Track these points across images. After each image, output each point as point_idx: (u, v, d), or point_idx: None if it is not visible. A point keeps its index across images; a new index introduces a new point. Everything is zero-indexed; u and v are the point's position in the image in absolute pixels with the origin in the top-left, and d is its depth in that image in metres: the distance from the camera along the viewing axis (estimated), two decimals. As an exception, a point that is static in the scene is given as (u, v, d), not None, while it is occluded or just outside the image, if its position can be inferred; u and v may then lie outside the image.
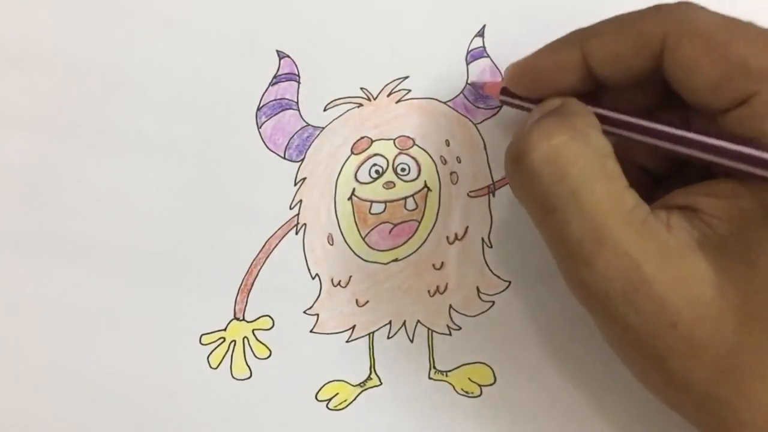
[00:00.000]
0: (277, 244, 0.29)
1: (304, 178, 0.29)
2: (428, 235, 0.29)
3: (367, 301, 0.28)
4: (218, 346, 0.28)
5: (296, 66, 0.30)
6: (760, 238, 0.20)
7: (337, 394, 0.28)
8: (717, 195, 0.22)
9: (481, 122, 0.29)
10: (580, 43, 0.23)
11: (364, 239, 0.29)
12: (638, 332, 0.21)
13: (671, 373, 0.21)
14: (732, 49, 0.21)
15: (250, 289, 0.29)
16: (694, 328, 0.20)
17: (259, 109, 0.29)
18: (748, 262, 0.20)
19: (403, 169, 0.29)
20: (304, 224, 0.29)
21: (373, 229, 0.29)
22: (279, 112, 0.29)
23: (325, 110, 0.29)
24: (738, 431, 0.20)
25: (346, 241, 0.29)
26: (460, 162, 0.29)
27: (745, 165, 0.21)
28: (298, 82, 0.30)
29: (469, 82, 0.29)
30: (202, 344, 0.28)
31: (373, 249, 0.29)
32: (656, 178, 0.25)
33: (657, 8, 0.22)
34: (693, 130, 0.22)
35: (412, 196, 0.29)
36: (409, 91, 0.29)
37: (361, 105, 0.29)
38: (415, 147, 0.29)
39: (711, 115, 0.22)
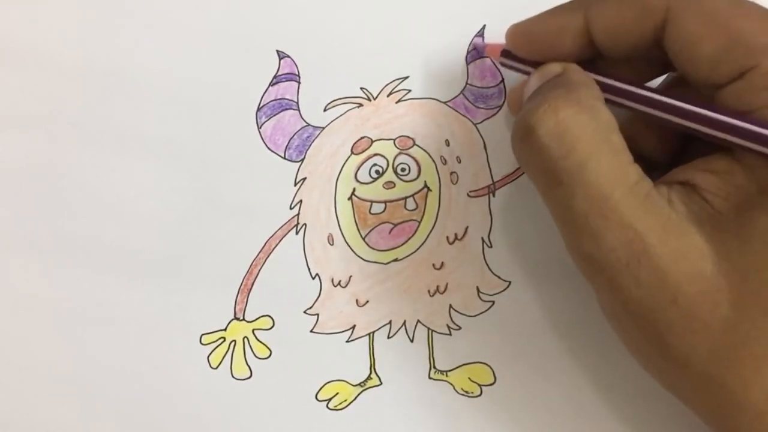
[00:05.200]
0: (277, 244, 0.29)
1: (304, 178, 0.29)
2: (428, 235, 0.29)
3: (367, 301, 0.28)
4: (218, 346, 0.28)
5: (296, 66, 0.30)
6: (753, 216, 0.21)
7: (337, 394, 0.28)
8: (713, 171, 0.22)
9: (481, 122, 0.29)
10: (583, 9, 0.24)
11: (364, 239, 0.29)
12: (639, 305, 0.21)
13: (670, 348, 0.21)
14: (733, 24, 0.21)
15: (250, 289, 0.29)
16: (694, 303, 0.20)
17: (259, 109, 0.29)
18: (743, 239, 0.21)
19: (403, 169, 0.29)
20: (305, 224, 0.29)
21: (373, 229, 0.29)
22: (279, 112, 0.29)
23: (325, 110, 0.29)
24: (736, 411, 0.20)
25: (346, 241, 0.29)
26: (460, 162, 0.29)
27: (738, 138, 0.21)
28: (298, 82, 0.30)
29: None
30: (203, 344, 0.28)
31: (373, 249, 0.29)
32: (654, 166, 0.26)
33: None
34: (687, 101, 0.22)
35: (412, 196, 0.29)
36: (409, 91, 0.29)
37: (361, 105, 0.29)
38: (415, 147, 0.29)
39: (707, 92, 0.23)
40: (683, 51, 0.22)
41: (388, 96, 0.29)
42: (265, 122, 0.29)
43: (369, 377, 0.28)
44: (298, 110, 0.29)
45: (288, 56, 0.30)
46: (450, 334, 0.28)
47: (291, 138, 0.29)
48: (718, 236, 0.21)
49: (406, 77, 0.29)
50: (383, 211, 0.29)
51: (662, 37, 0.23)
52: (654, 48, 0.23)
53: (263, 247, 0.29)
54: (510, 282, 0.28)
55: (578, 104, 0.22)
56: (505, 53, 0.26)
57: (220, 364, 0.28)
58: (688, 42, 0.22)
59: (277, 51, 0.30)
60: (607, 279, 0.21)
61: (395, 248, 0.29)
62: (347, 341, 0.28)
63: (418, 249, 0.29)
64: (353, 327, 0.28)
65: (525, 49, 0.25)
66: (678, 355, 0.21)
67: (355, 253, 0.29)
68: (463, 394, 0.28)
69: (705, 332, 0.20)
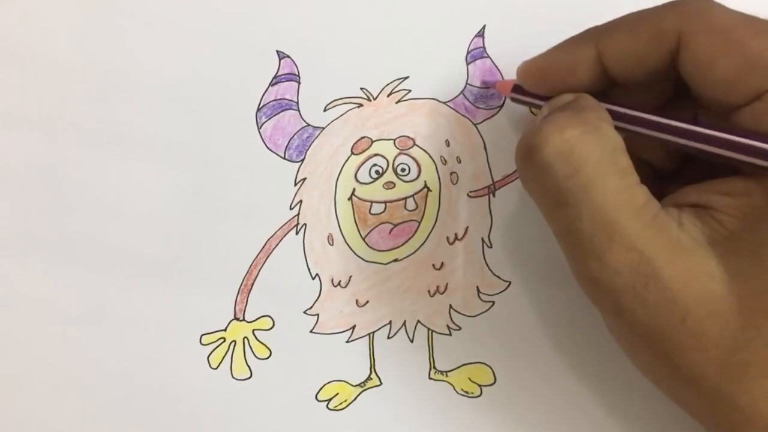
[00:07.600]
0: (277, 245, 0.29)
1: (304, 179, 0.29)
2: (428, 235, 0.29)
3: (367, 301, 0.28)
4: (218, 346, 0.28)
5: (296, 66, 0.30)
6: None
7: (337, 394, 0.28)
8: (730, 193, 0.22)
9: (481, 122, 0.29)
10: (594, 41, 0.23)
11: (364, 239, 0.29)
12: (647, 327, 0.21)
13: (679, 367, 0.21)
14: (748, 45, 0.21)
15: (251, 289, 0.29)
16: (704, 324, 0.20)
17: (259, 109, 0.29)
18: (757, 260, 0.20)
19: (403, 170, 0.29)
20: (305, 224, 0.29)
21: (373, 229, 0.29)
22: (279, 113, 0.29)
23: (325, 110, 0.29)
24: (745, 426, 0.20)
25: (346, 242, 0.29)
26: (460, 162, 0.29)
27: (757, 159, 0.21)
28: (298, 83, 0.30)
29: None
30: (203, 344, 0.28)
31: (373, 249, 0.29)
32: (661, 176, 0.25)
33: (672, 5, 0.22)
34: (705, 125, 0.22)
35: (412, 196, 0.29)
36: (409, 91, 0.29)
37: (361, 105, 0.29)
38: (415, 147, 0.29)
39: (723, 112, 0.22)
40: (698, 73, 0.22)
41: (388, 96, 0.29)
42: (265, 122, 0.29)
43: (369, 377, 0.28)
44: (298, 110, 0.29)
45: (288, 56, 0.30)
46: (450, 335, 0.28)
47: (291, 138, 0.29)
48: (730, 257, 0.21)
49: (406, 77, 0.29)
50: (383, 211, 0.29)
51: (677, 61, 0.22)
52: (667, 72, 0.23)
53: (263, 247, 0.29)
54: (510, 282, 0.28)
55: (585, 125, 0.21)
56: (517, 89, 0.26)
57: (220, 364, 0.28)
58: (702, 64, 0.22)
59: (277, 51, 0.30)
60: (614, 301, 0.21)
61: (395, 248, 0.29)
62: (347, 341, 0.28)
63: (418, 249, 0.29)
64: (353, 327, 0.28)
65: (538, 85, 0.25)
66: (688, 374, 0.21)
67: (355, 253, 0.29)
68: (463, 395, 0.28)
69: (714, 351, 0.20)
